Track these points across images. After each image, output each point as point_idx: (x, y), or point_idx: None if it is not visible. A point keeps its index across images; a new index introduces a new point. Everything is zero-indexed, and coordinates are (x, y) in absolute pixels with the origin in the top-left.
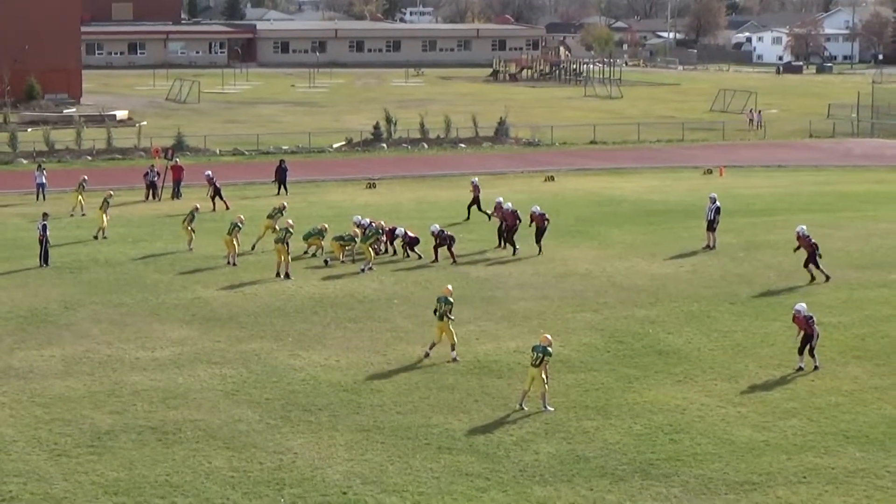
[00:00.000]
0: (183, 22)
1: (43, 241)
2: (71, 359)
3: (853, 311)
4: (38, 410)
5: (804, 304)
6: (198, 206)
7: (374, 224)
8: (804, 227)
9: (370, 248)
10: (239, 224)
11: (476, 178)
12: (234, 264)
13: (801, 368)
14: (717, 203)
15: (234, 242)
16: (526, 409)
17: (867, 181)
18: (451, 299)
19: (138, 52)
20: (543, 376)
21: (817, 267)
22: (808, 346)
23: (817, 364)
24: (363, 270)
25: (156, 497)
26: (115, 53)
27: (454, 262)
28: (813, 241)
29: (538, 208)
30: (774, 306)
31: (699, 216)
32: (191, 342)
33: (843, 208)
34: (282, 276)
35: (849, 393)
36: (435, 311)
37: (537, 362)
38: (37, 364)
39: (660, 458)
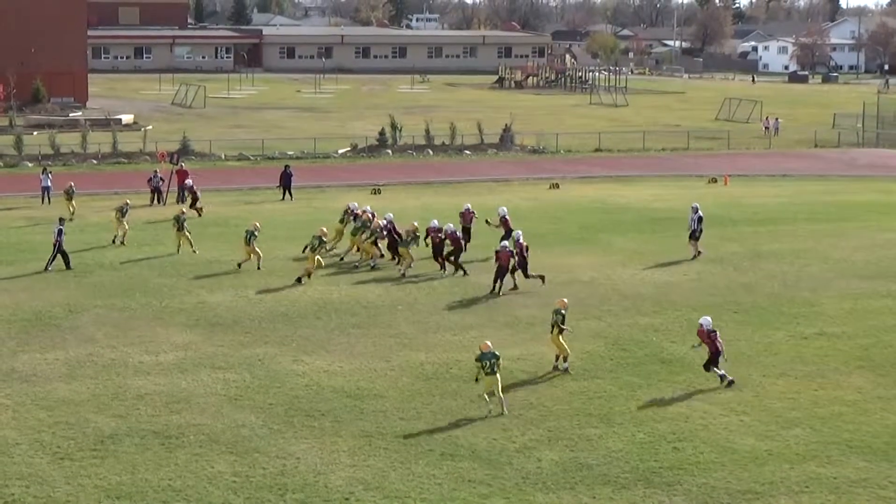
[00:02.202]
0: (189, 27)
1: (57, 245)
2: (74, 362)
3: (857, 321)
4: (42, 413)
5: (709, 318)
6: (183, 210)
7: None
8: (520, 232)
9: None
10: (255, 232)
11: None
12: (259, 268)
13: (731, 382)
14: (700, 212)
15: (257, 249)
16: (492, 409)
17: (872, 191)
18: (564, 312)
19: (144, 56)
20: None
21: (525, 273)
22: (713, 360)
23: (726, 377)
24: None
25: (158, 501)
26: (122, 57)
27: (443, 269)
28: (522, 251)
29: (520, 234)
30: (778, 315)
31: (704, 225)
32: (195, 347)
33: (848, 218)
34: (302, 281)
35: (852, 403)
36: (552, 325)
37: (492, 370)
38: (40, 367)
39: (663, 467)
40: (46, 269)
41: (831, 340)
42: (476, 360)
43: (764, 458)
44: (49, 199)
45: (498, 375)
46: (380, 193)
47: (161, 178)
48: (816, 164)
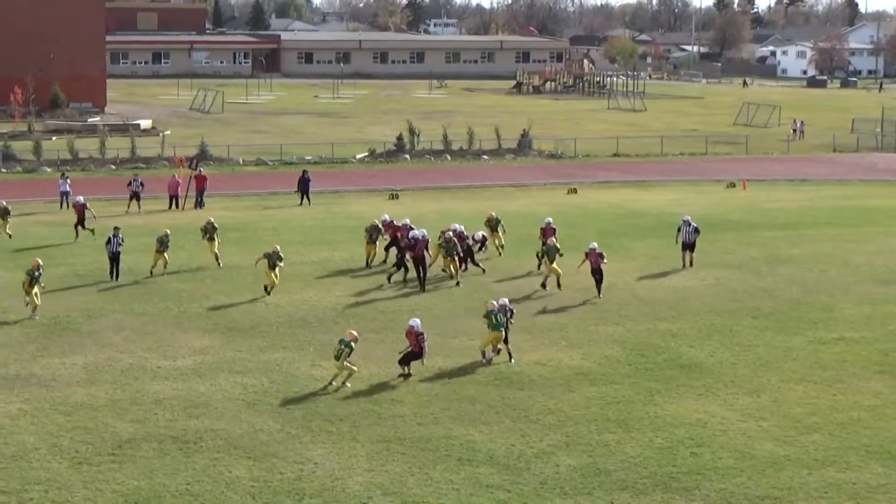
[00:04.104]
0: (207, 32)
1: (114, 256)
2: (93, 367)
3: (876, 327)
4: (60, 418)
5: (418, 321)
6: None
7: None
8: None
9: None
10: (274, 256)
11: (387, 215)
12: (269, 293)
13: (408, 375)
14: (694, 224)
15: (275, 275)
16: (334, 385)
17: (891, 196)
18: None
19: (163, 61)
20: (349, 364)
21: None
22: (411, 358)
23: (406, 372)
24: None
25: None
26: (140, 63)
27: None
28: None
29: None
30: (797, 320)
31: (723, 229)
32: (212, 351)
33: (867, 223)
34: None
35: (871, 408)
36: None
37: (339, 355)
38: (59, 372)
39: (681, 472)
40: (115, 279)
41: (850, 345)
42: (339, 341)
43: (783, 463)
44: (68, 204)
45: (344, 362)
46: (397, 198)
47: (141, 183)
48: (835, 169)
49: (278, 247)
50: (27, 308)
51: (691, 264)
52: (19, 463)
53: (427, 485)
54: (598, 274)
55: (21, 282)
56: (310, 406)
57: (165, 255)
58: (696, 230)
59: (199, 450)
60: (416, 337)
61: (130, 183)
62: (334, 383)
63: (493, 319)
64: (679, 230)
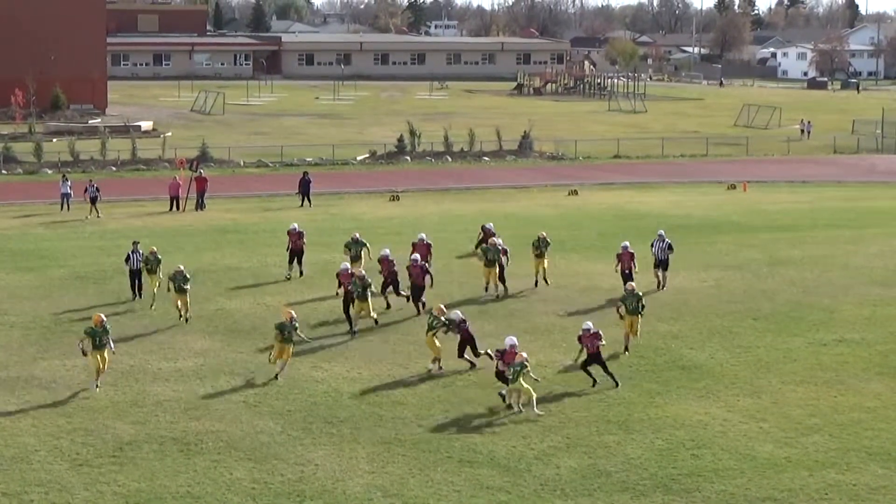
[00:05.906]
0: (208, 34)
1: (135, 272)
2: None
3: (876, 328)
4: (61, 420)
5: (388, 250)
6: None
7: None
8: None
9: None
10: (287, 325)
11: (296, 224)
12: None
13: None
14: (668, 240)
15: (289, 350)
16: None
17: (891, 197)
18: (443, 318)
19: (163, 63)
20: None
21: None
22: None
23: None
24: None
25: None
26: (141, 64)
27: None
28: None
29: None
30: (797, 322)
31: (722, 231)
32: (213, 353)
33: (867, 224)
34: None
35: (871, 409)
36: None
37: (515, 377)
38: (59, 374)
39: (681, 474)
40: (137, 296)
41: (850, 347)
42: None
43: (783, 465)
44: (69, 206)
45: (522, 383)
46: (398, 200)
47: (97, 188)
48: (835, 171)
49: (293, 312)
50: (94, 376)
51: (664, 286)
52: (20, 465)
53: (428, 486)
54: (597, 359)
55: (77, 343)
56: (311, 408)
57: (187, 296)
58: (670, 247)
59: (199, 451)
60: (388, 264)
61: (87, 189)
62: (514, 406)
63: (432, 322)
64: (652, 245)
